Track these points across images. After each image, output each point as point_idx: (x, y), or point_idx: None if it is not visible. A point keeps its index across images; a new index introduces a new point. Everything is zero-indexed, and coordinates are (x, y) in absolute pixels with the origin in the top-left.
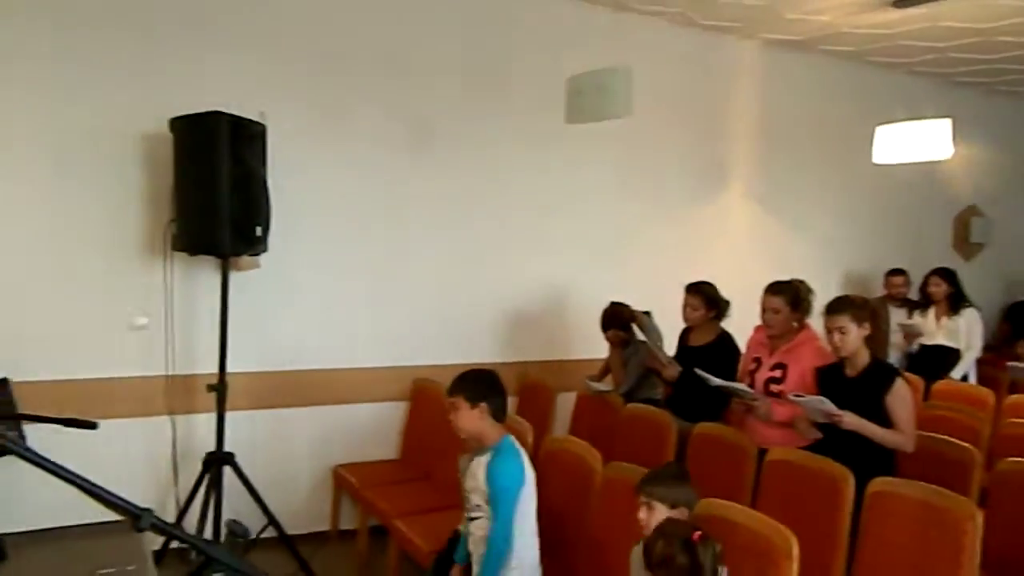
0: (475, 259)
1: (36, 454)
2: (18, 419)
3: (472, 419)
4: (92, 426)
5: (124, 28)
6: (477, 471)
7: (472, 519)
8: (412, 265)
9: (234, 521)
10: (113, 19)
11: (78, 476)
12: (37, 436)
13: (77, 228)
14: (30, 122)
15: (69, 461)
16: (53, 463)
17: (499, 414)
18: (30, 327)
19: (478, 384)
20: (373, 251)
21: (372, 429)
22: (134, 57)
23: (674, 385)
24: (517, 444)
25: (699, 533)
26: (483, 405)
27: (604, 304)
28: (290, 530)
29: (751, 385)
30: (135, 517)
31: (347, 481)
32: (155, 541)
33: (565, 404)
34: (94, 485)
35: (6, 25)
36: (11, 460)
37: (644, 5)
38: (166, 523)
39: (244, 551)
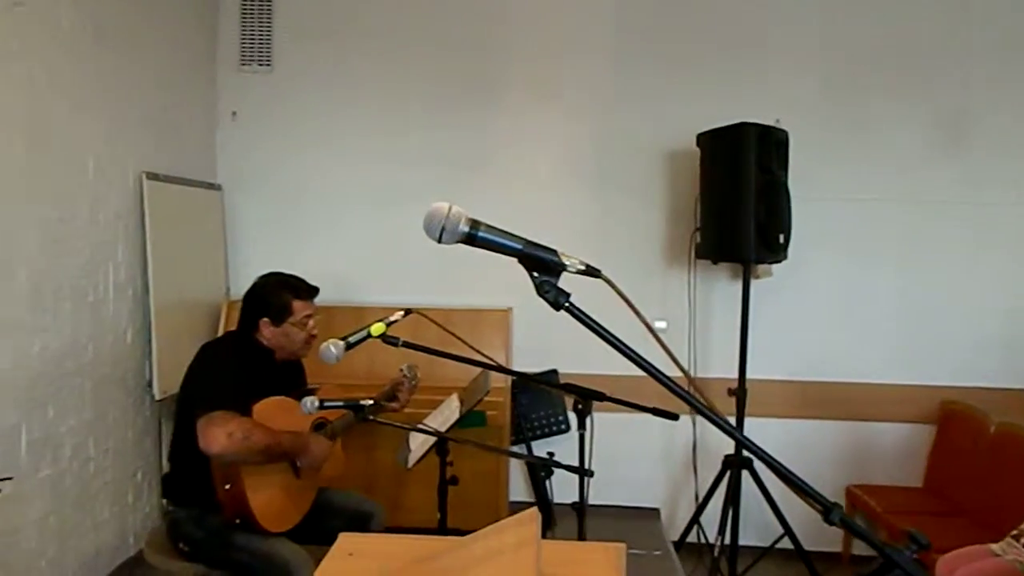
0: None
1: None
2: (598, 398)
3: None
4: (674, 417)
5: (649, 61)
6: None
7: None
8: (939, 273)
9: (913, 531)
10: (642, 55)
11: (779, 463)
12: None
13: (615, 231)
14: (581, 139)
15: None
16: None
17: None
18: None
19: None
20: (897, 260)
21: (892, 451)
22: (660, 84)
23: None
24: None
25: None
26: None
27: None
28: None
29: None
30: (826, 510)
31: (865, 503)
32: (673, 532)
33: None
34: (790, 472)
35: (583, 68)
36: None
37: None
38: (854, 522)
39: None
